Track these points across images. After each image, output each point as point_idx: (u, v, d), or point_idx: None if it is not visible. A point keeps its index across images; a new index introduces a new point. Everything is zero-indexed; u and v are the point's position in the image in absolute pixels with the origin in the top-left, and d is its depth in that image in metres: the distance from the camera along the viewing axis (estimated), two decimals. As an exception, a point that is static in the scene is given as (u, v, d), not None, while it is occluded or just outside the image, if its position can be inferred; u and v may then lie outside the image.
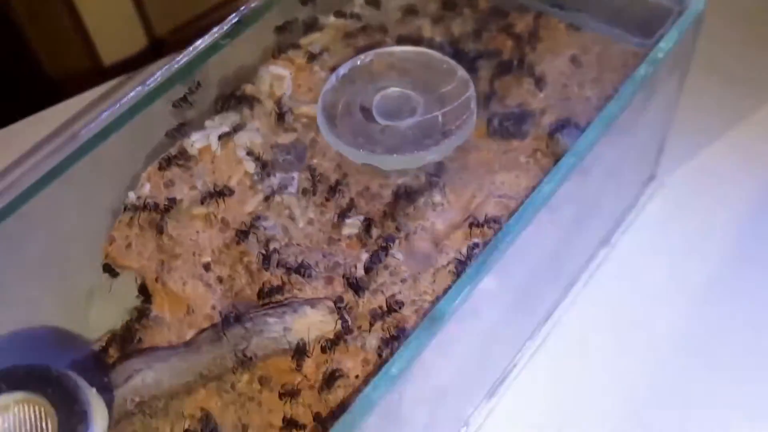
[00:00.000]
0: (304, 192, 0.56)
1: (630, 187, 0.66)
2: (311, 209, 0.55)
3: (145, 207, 0.55)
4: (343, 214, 0.54)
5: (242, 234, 0.54)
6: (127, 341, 0.55)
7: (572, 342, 0.62)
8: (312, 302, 0.51)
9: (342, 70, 0.54)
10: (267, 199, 0.56)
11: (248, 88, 0.58)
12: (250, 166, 0.56)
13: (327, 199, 0.55)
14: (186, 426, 0.49)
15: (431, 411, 0.50)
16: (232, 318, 0.50)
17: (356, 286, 0.49)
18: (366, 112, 0.53)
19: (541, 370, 0.61)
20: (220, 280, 0.55)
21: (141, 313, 0.55)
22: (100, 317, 0.57)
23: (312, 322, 0.50)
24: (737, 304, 0.63)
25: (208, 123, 0.57)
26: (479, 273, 0.45)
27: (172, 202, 0.55)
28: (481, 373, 0.56)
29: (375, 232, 0.53)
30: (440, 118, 0.52)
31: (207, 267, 0.55)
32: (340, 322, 0.48)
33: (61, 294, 0.55)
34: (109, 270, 0.56)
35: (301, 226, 0.55)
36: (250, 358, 0.48)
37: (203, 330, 0.52)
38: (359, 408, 0.41)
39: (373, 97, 0.53)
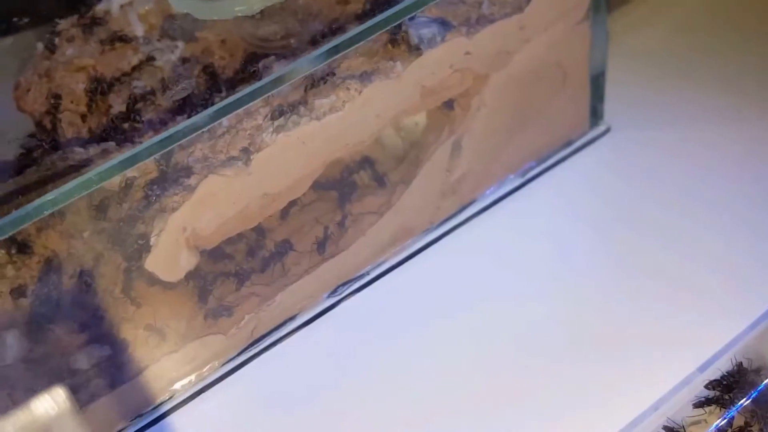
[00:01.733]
0: (184, 61, 0.59)
1: (552, 122, 0.61)
2: (185, 79, 0.58)
3: (46, 57, 0.61)
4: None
5: (107, 86, 0.58)
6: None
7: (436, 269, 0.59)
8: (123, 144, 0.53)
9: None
10: (143, 62, 0.59)
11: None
12: (139, 30, 0.60)
13: (202, 70, 0.58)
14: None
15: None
16: (46, 144, 0.54)
17: None
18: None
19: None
20: (90, 129, 0.59)
21: (29, 151, 0.61)
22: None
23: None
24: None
25: (120, -11, 0.62)
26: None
27: (62, 51, 0.60)
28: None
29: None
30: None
31: (83, 117, 0.59)
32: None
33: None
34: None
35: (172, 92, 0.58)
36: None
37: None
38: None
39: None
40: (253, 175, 0.50)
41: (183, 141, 0.50)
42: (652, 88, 0.66)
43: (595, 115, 0.63)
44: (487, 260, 0.59)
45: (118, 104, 0.58)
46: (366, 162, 0.60)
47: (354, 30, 0.48)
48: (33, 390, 0.54)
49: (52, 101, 0.60)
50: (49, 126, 0.59)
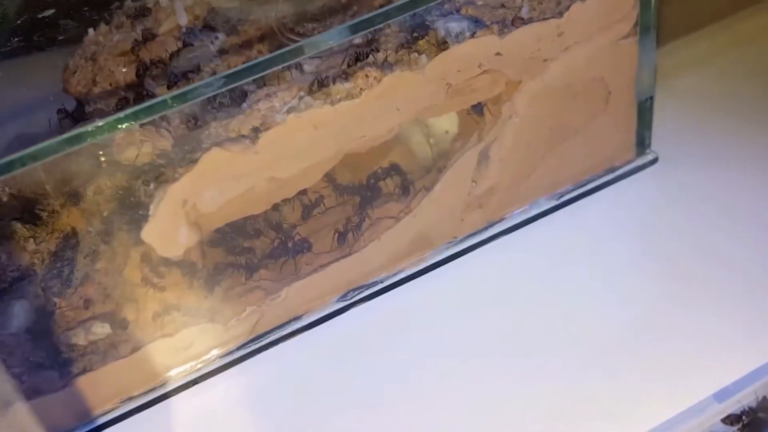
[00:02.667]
0: (221, 51, 0.59)
1: (593, 145, 0.58)
2: (220, 65, 0.58)
3: (95, 42, 0.62)
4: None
5: (143, 68, 0.58)
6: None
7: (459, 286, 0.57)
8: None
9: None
10: (181, 49, 0.59)
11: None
12: (183, 19, 0.61)
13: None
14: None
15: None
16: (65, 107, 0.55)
17: None
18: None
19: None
20: (119, 106, 0.59)
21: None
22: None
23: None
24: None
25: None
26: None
27: (113, 40, 0.61)
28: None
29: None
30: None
31: (120, 101, 0.60)
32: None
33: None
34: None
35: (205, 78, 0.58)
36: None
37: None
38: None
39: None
40: (259, 154, 0.49)
41: (198, 114, 0.49)
42: (703, 123, 0.63)
43: (642, 142, 0.60)
44: (509, 283, 0.56)
45: (151, 86, 0.58)
46: (394, 169, 0.58)
47: (374, 12, 0.47)
48: (29, 360, 0.53)
49: (91, 83, 0.61)
50: (85, 103, 0.60)
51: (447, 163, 0.55)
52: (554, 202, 0.59)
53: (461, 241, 0.58)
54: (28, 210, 0.56)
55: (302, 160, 0.50)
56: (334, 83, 0.50)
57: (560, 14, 0.52)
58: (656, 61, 0.57)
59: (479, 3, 0.54)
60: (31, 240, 0.56)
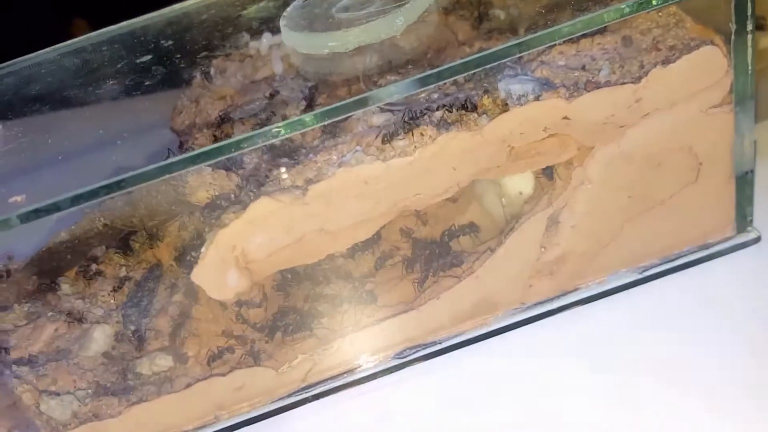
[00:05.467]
0: (309, 100, 0.61)
1: (683, 219, 0.54)
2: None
3: (201, 86, 0.65)
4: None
5: (233, 112, 0.61)
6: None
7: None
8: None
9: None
10: (274, 95, 0.62)
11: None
12: (278, 68, 0.63)
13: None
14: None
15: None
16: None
17: None
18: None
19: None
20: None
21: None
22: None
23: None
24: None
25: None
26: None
27: (213, 82, 0.65)
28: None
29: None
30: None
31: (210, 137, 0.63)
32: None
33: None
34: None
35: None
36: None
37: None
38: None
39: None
40: (308, 206, 0.49)
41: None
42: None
43: (743, 219, 0.55)
44: (580, 357, 0.53)
45: (240, 131, 0.60)
46: (470, 228, 0.56)
47: (441, 67, 0.46)
48: (98, 383, 0.56)
49: (193, 123, 0.64)
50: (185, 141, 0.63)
51: (512, 224, 0.53)
52: (636, 276, 0.55)
53: (529, 308, 0.55)
54: (123, 240, 0.60)
55: (353, 213, 0.50)
56: (390, 139, 0.49)
57: (639, 79, 0.49)
58: (756, 134, 0.52)
59: (560, 63, 0.52)
60: (123, 268, 0.59)
